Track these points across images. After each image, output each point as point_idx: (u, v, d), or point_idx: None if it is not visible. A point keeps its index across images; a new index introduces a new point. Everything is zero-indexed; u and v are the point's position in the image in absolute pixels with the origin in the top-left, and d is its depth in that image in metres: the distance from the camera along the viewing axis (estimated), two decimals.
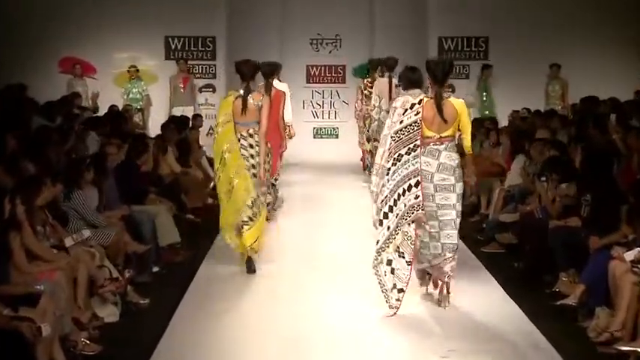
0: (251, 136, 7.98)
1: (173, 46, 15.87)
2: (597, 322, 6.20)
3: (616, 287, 6.19)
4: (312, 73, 17.30)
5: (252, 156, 7.97)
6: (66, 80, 14.90)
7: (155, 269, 8.00)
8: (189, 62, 15.59)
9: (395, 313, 6.70)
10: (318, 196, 12.41)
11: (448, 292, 6.95)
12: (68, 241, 6.62)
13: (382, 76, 11.89)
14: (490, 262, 8.41)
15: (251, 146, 7.99)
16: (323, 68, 17.29)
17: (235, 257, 8.45)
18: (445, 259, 6.85)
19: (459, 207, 6.83)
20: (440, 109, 6.72)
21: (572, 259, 7.24)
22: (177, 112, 14.56)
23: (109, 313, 6.60)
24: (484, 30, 15.90)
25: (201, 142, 13.34)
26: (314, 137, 17.33)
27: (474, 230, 9.78)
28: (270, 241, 8.94)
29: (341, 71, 17.27)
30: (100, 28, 15.58)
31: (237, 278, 7.86)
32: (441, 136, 6.76)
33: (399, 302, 6.70)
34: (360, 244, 8.48)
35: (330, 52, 17.27)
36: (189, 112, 14.63)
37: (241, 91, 8.02)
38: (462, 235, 9.43)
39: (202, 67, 15.93)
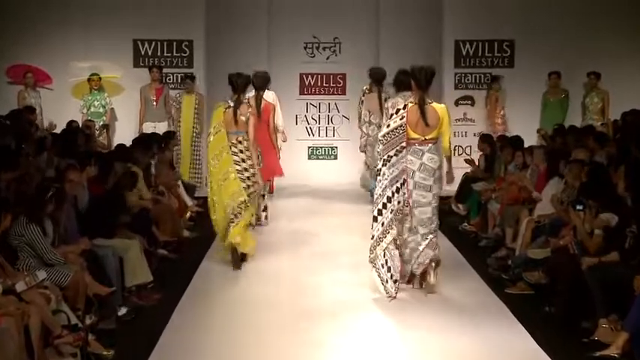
0: (240, 142, 9.95)
1: (143, 52, 15.89)
2: None
3: None
4: (307, 82, 17.35)
5: (243, 160, 9.96)
6: (17, 91, 14.94)
7: (121, 314, 8.01)
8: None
9: (394, 298, 8.51)
10: (310, 226, 12.44)
11: (425, 279, 8.75)
12: (20, 286, 6.61)
13: (371, 90, 13.51)
14: (517, 305, 8.44)
15: (241, 152, 9.96)
16: (319, 77, 17.35)
17: (215, 301, 8.49)
18: (422, 252, 8.66)
19: (434, 203, 8.69)
20: (423, 113, 8.51)
21: (613, 303, 7.28)
22: (149, 128, 14.63)
23: None
24: (509, 32, 15.98)
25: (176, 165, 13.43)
26: (308, 158, 17.36)
27: (498, 268, 9.81)
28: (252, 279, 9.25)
29: (340, 81, 17.33)
30: (56, 29, 15.69)
31: (218, 326, 7.88)
32: (425, 138, 8.58)
33: (396, 292, 8.53)
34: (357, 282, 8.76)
35: (327, 58, 17.33)
36: (162, 128, 14.70)
37: (231, 103, 9.95)
38: (483, 273, 9.59)
39: (177, 76, 15.91)
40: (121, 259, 8.37)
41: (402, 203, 8.55)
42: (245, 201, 9.90)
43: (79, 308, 7.27)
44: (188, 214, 12.38)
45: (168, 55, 15.93)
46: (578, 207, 8.36)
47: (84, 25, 15.64)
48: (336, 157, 17.39)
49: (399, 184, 8.54)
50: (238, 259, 9.90)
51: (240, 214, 9.91)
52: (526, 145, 12.25)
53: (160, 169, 12.20)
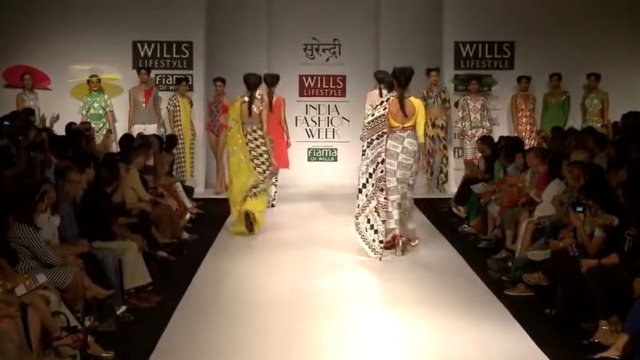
0: (254, 131, 11.87)
1: (142, 53, 15.88)
2: None
3: None
4: (307, 84, 17.38)
5: (257, 147, 11.88)
6: (14, 93, 14.91)
7: (120, 314, 8.02)
8: (161, 71, 15.80)
9: (381, 258, 10.25)
10: (309, 229, 12.46)
11: (404, 244, 10.55)
12: (20, 290, 6.61)
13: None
14: (517, 307, 8.44)
15: (255, 139, 11.87)
16: (319, 79, 17.38)
17: (215, 304, 8.51)
18: (403, 220, 10.50)
19: (412, 182, 10.58)
20: (402, 106, 10.34)
21: (613, 305, 7.28)
22: (138, 130, 14.59)
23: None
24: (509, 34, 15.99)
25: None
26: (308, 160, 17.38)
27: (498, 270, 9.81)
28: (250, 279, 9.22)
29: (340, 82, 17.36)
30: (54, 31, 15.69)
31: (218, 329, 7.87)
32: (403, 126, 10.38)
33: (382, 250, 10.31)
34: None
35: (327, 59, 17.36)
36: (151, 130, 14.70)
37: (246, 98, 11.84)
38: (483, 275, 9.58)
39: (175, 78, 15.81)
40: (120, 261, 8.37)
41: (380, 178, 10.30)
42: (260, 180, 11.80)
43: (79, 310, 7.28)
44: (188, 216, 12.39)
45: (168, 56, 15.90)
46: (579, 209, 8.36)
47: (83, 27, 15.60)
48: (335, 159, 17.40)
49: (376, 163, 10.31)
50: (251, 224, 11.72)
51: (255, 195, 11.76)
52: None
53: (160, 171, 12.22)
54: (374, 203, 10.37)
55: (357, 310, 8.41)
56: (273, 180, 13.62)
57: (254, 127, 11.86)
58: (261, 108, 11.86)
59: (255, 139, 11.88)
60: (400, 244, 10.50)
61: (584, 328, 7.56)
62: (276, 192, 14.05)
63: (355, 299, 8.78)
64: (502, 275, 9.52)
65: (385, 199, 10.33)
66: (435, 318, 8.08)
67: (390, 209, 10.42)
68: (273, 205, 13.77)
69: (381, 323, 8.00)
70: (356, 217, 10.48)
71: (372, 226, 10.38)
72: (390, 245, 10.54)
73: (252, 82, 11.93)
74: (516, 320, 8.01)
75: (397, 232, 10.50)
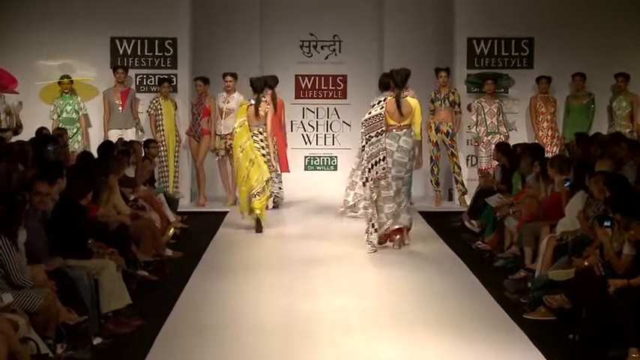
0: (260, 133, 13.48)
1: (121, 51, 15.92)
2: None
3: None
4: (303, 85, 17.43)
5: (262, 147, 13.46)
6: None
7: (97, 342, 8.00)
8: (143, 71, 15.87)
9: (375, 251, 11.72)
10: (305, 246, 12.46)
11: (403, 240, 12.02)
12: None
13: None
14: (537, 332, 8.43)
15: (261, 140, 13.48)
16: (317, 79, 17.43)
17: (201, 328, 8.51)
18: (400, 215, 11.85)
19: (407, 179, 11.97)
20: (399, 105, 11.73)
21: None
22: (114, 136, 14.62)
23: None
24: (528, 30, 16.02)
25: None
26: (305, 169, 17.43)
27: (516, 291, 9.80)
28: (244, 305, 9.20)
29: (341, 83, 17.41)
30: (21, 25, 15.69)
31: (204, 357, 7.87)
32: (400, 125, 11.78)
33: (375, 241, 11.76)
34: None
35: (326, 57, 17.42)
36: (129, 136, 14.72)
37: (252, 101, 13.41)
38: (499, 296, 9.58)
39: (157, 79, 15.85)
40: (96, 281, 8.36)
41: (379, 174, 11.64)
42: (269, 179, 13.43)
43: (50, 336, 7.26)
44: (171, 231, 12.39)
45: (150, 54, 15.92)
46: (606, 223, 8.35)
47: (56, 20, 15.63)
48: (335, 168, 17.44)
49: (378, 159, 11.66)
50: (260, 225, 13.23)
51: (263, 191, 13.17)
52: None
53: (140, 180, 12.23)
54: (374, 197, 11.74)
55: (360, 335, 8.40)
56: (277, 185, 15.14)
57: (260, 129, 13.47)
58: (267, 110, 13.46)
59: (261, 140, 13.49)
60: (400, 240, 11.97)
61: (611, 355, 7.57)
62: (277, 194, 15.21)
63: (358, 324, 8.78)
64: (520, 297, 9.50)
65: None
66: (446, 344, 8.07)
67: (382, 204, 11.79)
68: (276, 206, 15.01)
69: (386, 350, 8.00)
70: (365, 207, 11.85)
71: (370, 219, 11.78)
72: (384, 240, 12.01)
73: (259, 86, 13.53)
74: (536, 347, 7.99)
75: (390, 225, 11.87)
